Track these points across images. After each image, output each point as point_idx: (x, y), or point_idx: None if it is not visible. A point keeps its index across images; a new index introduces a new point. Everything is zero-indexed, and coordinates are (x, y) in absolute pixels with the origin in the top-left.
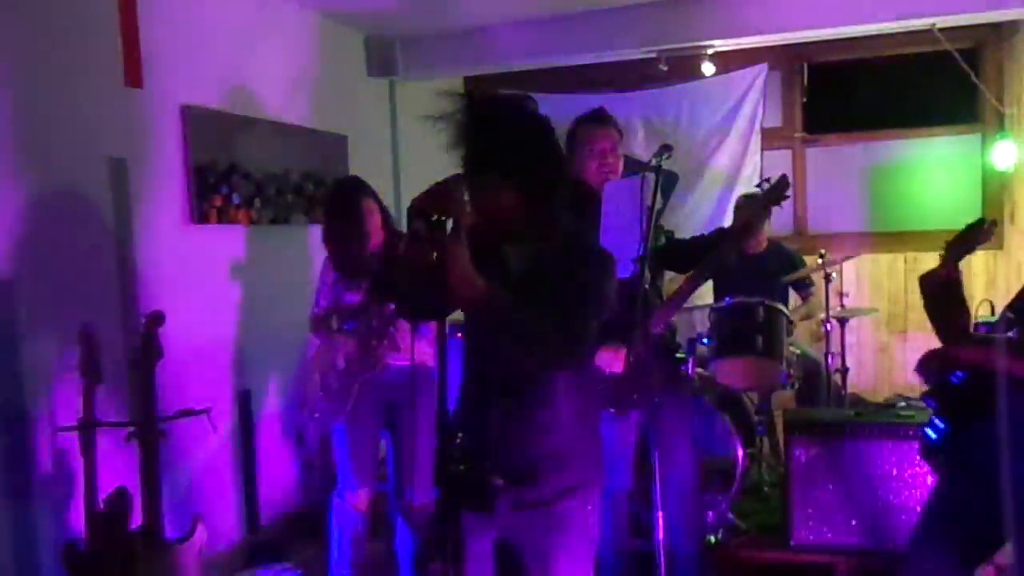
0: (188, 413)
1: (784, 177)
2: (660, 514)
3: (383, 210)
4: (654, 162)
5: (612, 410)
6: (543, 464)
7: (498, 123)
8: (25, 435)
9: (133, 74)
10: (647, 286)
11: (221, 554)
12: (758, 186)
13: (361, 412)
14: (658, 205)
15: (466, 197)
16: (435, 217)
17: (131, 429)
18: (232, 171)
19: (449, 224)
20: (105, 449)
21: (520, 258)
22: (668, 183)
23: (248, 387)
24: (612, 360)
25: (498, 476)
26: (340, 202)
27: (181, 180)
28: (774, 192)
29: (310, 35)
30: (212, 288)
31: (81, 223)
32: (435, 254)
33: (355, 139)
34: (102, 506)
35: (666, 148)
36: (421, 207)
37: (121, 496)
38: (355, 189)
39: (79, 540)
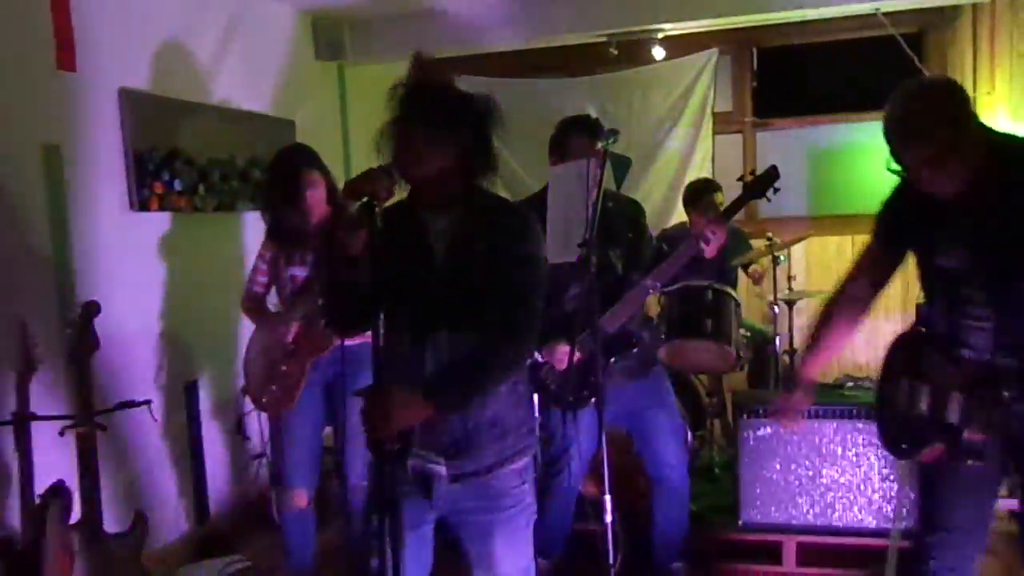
0: (128, 405)
1: (774, 168)
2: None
3: (330, 183)
4: (601, 146)
5: (563, 409)
6: (479, 435)
7: (429, 87)
8: None
9: (66, 57)
10: (595, 271)
11: (169, 547)
12: (740, 179)
13: (307, 401)
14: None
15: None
16: (366, 200)
17: (67, 422)
18: (173, 157)
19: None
20: (42, 443)
21: (443, 232)
22: (621, 167)
23: (193, 378)
24: (560, 356)
25: (436, 454)
26: (280, 169)
27: (119, 166)
28: (761, 183)
29: (255, 17)
30: (154, 277)
31: (14, 211)
32: (367, 235)
33: (303, 124)
34: (39, 501)
35: (612, 132)
36: (354, 189)
37: (58, 491)
38: (297, 156)
39: (15, 535)
